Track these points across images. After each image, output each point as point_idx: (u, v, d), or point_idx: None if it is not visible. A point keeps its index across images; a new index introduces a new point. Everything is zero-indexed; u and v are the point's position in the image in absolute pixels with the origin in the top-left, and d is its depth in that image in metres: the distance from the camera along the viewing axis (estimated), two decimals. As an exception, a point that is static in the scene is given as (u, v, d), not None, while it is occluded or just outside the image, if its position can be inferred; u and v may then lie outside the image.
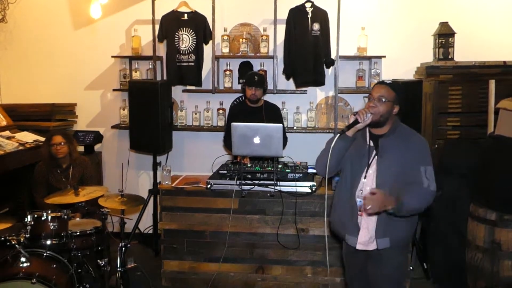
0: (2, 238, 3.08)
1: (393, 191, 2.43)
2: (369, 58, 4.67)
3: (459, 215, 3.74)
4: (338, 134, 2.56)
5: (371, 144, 2.61)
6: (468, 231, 3.62)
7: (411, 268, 3.52)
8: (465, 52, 4.41)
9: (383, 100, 2.51)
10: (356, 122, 2.51)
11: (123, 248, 3.65)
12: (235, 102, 4.33)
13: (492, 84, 3.95)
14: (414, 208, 2.47)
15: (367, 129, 2.63)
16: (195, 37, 4.65)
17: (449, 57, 4.36)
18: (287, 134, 4.28)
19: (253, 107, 4.10)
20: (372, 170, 2.57)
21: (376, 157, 2.58)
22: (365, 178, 2.57)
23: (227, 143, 4.17)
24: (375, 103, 2.53)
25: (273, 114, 4.10)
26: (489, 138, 3.81)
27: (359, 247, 2.62)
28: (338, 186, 2.75)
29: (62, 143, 3.95)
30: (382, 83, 2.64)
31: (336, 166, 2.66)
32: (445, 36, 4.37)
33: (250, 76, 4.08)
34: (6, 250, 3.06)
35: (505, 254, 3.32)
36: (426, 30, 4.57)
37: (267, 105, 4.17)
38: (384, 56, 4.64)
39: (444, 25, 4.40)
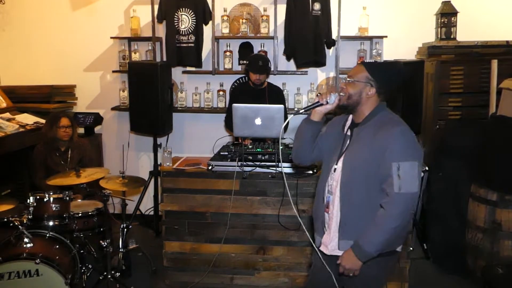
0: (5, 219, 3.10)
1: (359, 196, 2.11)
2: (370, 38, 4.62)
3: (459, 196, 3.75)
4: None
5: (348, 133, 2.25)
6: (469, 211, 3.64)
7: (411, 248, 3.55)
8: (467, 31, 4.36)
9: (349, 80, 2.18)
10: (318, 104, 2.19)
11: (125, 229, 3.68)
12: (236, 83, 4.26)
13: (494, 64, 3.93)
14: (387, 234, 2.03)
15: (350, 116, 2.28)
16: (194, 18, 4.59)
17: (451, 36, 4.32)
18: (289, 116, 4.23)
19: (256, 89, 4.07)
20: (341, 163, 2.19)
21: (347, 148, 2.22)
22: (334, 171, 2.21)
23: (228, 124, 4.15)
24: (345, 84, 2.21)
25: (276, 96, 4.05)
26: (491, 119, 3.81)
27: (322, 248, 2.25)
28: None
29: (69, 126, 3.96)
30: (361, 62, 2.26)
31: (306, 153, 2.37)
32: (447, 15, 4.32)
33: (254, 61, 3.96)
34: (9, 231, 3.09)
35: (505, 234, 3.36)
36: (428, 9, 4.51)
37: (271, 87, 4.12)
38: (386, 36, 4.59)
39: (446, 4, 4.35)
